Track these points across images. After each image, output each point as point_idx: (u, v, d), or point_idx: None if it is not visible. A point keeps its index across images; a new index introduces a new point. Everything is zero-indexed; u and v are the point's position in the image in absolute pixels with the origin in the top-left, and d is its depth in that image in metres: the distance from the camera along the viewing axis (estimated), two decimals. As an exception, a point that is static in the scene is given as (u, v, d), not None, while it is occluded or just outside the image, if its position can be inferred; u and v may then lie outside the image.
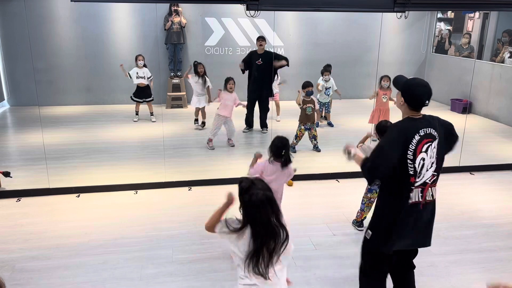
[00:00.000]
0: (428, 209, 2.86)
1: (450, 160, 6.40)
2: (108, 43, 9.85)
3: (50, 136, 7.22)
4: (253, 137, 7.80)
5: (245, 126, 8.06)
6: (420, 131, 2.73)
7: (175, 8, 9.52)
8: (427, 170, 2.76)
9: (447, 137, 2.88)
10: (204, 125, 8.21)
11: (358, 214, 4.53)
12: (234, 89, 7.07)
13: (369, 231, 2.97)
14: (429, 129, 2.76)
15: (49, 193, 5.25)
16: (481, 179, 6.00)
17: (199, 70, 7.74)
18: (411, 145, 2.70)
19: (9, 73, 9.60)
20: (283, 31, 10.45)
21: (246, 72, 7.89)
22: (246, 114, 8.01)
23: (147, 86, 8.53)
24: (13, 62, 9.48)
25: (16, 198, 5.15)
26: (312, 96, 6.80)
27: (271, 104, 8.06)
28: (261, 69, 7.61)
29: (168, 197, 5.28)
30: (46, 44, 9.51)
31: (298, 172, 5.89)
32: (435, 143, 2.77)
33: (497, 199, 5.35)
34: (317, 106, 6.87)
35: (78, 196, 5.25)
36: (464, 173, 6.14)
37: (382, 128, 4.13)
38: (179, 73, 9.99)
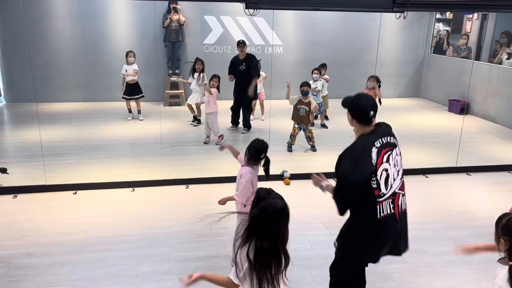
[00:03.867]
0: (404, 218, 2.82)
1: (447, 160, 6.45)
2: (106, 40, 9.82)
3: (47, 132, 7.20)
4: (253, 134, 7.80)
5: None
6: (376, 142, 2.67)
7: (174, 5, 9.50)
8: (394, 180, 2.70)
9: None
10: (200, 122, 8.21)
11: None
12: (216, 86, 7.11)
13: (337, 250, 2.96)
14: (386, 137, 2.73)
15: (45, 190, 5.23)
16: (478, 180, 6.01)
17: (198, 67, 7.74)
18: (372, 159, 2.63)
19: (6, 69, 9.56)
20: (282, 30, 10.45)
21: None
22: (232, 114, 8.11)
23: (137, 83, 8.51)
24: (11, 58, 9.45)
25: (13, 195, 5.14)
26: (310, 98, 6.77)
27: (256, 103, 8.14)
28: (245, 74, 7.62)
29: (165, 195, 5.27)
30: (44, 40, 9.48)
31: (295, 171, 5.93)
32: (396, 150, 2.75)
33: (494, 199, 5.36)
34: (313, 106, 6.82)
35: (75, 193, 5.24)
36: (461, 174, 6.16)
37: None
38: (177, 71, 9.97)
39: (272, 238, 2.13)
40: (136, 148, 6.89)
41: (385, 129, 2.84)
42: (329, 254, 4.11)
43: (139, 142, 7.18)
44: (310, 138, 6.84)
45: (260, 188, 2.30)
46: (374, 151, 2.65)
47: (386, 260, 4.01)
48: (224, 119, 7.72)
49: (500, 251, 2.24)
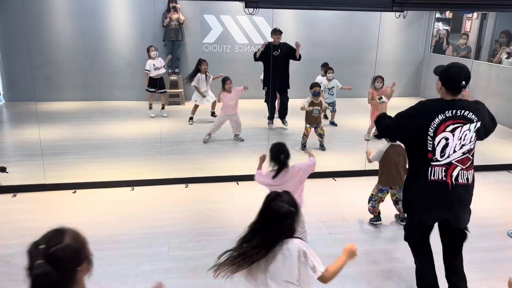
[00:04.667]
0: (460, 191, 2.89)
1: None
2: (106, 39, 9.81)
3: (46, 131, 7.18)
4: (253, 134, 7.79)
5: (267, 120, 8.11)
6: (447, 112, 2.76)
7: (174, 4, 9.50)
8: (454, 151, 2.80)
9: (487, 125, 2.97)
10: (214, 114, 8.36)
11: (371, 211, 4.59)
12: (232, 86, 7.14)
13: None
14: (462, 111, 2.78)
15: (45, 189, 5.22)
16: (477, 179, 5.95)
17: (203, 67, 7.78)
18: (433, 122, 2.76)
19: (6, 68, 9.55)
20: (282, 29, 10.37)
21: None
22: (268, 107, 8.03)
23: (162, 78, 8.55)
24: (10, 58, 9.43)
25: (12, 194, 5.13)
26: (321, 98, 6.81)
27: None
28: (279, 60, 7.55)
29: (165, 194, 5.27)
30: (44, 39, 9.47)
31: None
32: (469, 126, 2.79)
33: (493, 199, 5.36)
34: (325, 105, 6.97)
35: (75, 192, 5.23)
36: (461, 173, 6.15)
37: None
38: (177, 70, 9.96)
39: (270, 237, 2.21)
40: (135, 147, 6.89)
41: (468, 103, 2.87)
42: (328, 253, 4.12)
43: (138, 141, 7.18)
44: (321, 135, 6.86)
45: (273, 192, 2.33)
46: (440, 117, 2.77)
47: (386, 260, 4.02)
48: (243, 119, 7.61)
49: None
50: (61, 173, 5.63)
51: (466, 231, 3.11)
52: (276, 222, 2.20)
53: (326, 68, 8.34)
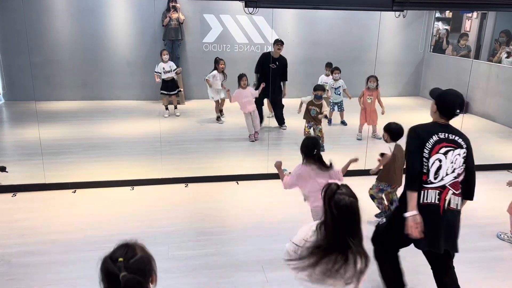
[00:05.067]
0: (450, 216, 2.87)
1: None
2: (106, 38, 9.81)
3: (46, 131, 7.18)
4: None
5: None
6: (440, 134, 2.82)
7: (173, 4, 9.49)
8: (447, 174, 2.82)
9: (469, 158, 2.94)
10: (222, 113, 8.38)
11: (380, 207, 4.60)
12: (247, 84, 7.23)
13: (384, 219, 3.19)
14: (452, 135, 2.84)
15: (45, 188, 5.23)
16: (477, 179, 5.98)
17: (221, 66, 7.93)
18: (427, 143, 2.79)
19: (5, 67, 9.54)
20: (282, 29, 10.43)
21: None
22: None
23: (173, 79, 8.67)
24: (10, 57, 9.42)
25: (12, 193, 5.13)
26: (323, 101, 6.76)
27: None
28: (274, 72, 7.54)
29: (165, 193, 5.27)
30: (43, 38, 9.47)
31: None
32: (459, 151, 2.83)
33: (493, 199, 5.37)
34: (325, 111, 6.90)
35: (74, 191, 5.23)
36: (460, 173, 6.16)
37: (393, 130, 4.36)
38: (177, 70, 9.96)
39: (336, 233, 2.08)
40: (135, 147, 6.89)
41: (458, 130, 2.93)
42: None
43: (138, 140, 7.18)
44: (320, 138, 6.85)
45: (331, 183, 2.18)
46: (434, 138, 2.81)
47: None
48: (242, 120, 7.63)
49: None
50: (61, 173, 5.63)
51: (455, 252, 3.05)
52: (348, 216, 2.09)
53: (331, 68, 8.31)
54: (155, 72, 8.57)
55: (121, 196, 5.16)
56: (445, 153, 2.80)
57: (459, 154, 2.83)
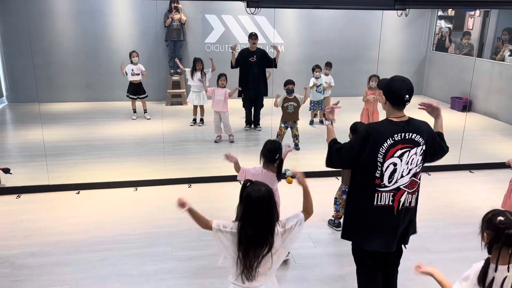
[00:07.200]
0: (405, 214, 2.81)
1: (449, 158, 6.37)
2: (108, 39, 9.84)
3: (49, 132, 7.22)
4: (254, 135, 7.80)
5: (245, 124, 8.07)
6: (396, 135, 2.65)
7: (175, 5, 9.51)
8: (401, 176, 2.69)
9: (432, 147, 2.82)
10: (203, 122, 8.21)
11: (334, 215, 4.56)
12: (226, 85, 7.15)
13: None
14: (409, 134, 2.68)
15: (48, 189, 5.25)
16: (480, 177, 6.01)
17: (198, 67, 7.77)
18: (381, 148, 2.64)
19: (8, 69, 9.58)
20: (283, 28, 10.44)
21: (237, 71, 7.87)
22: (246, 112, 8.02)
23: (141, 83, 8.55)
24: (13, 59, 9.47)
25: (16, 195, 5.16)
26: (295, 94, 6.71)
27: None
28: (255, 66, 7.57)
29: (168, 194, 5.28)
30: (46, 40, 9.50)
31: (298, 170, 5.90)
32: (416, 150, 2.69)
33: (496, 197, 5.34)
34: (303, 100, 6.76)
35: (78, 192, 5.25)
36: (464, 171, 6.15)
37: (354, 129, 4.48)
38: (179, 70, 9.97)
39: (257, 224, 2.25)
40: (138, 148, 6.90)
41: (415, 122, 2.76)
42: (332, 252, 4.13)
43: (141, 141, 7.20)
44: (296, 136, 6.82)
45: (246, 180, 2.41)
46: (389, 142, 2.64)
47: (389, 258, 4.01)
48: (232, 118, 7.60)
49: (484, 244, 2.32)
50: (64, 174, 5.65)
51: (404, 247, 3.00)
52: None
53: (315, 66, 8.20)
54: (124, 73, 8.40)
55: (125, 197, 5.17)
56: (400, 156, 2.65)
57: (415, 154, 2.69)
